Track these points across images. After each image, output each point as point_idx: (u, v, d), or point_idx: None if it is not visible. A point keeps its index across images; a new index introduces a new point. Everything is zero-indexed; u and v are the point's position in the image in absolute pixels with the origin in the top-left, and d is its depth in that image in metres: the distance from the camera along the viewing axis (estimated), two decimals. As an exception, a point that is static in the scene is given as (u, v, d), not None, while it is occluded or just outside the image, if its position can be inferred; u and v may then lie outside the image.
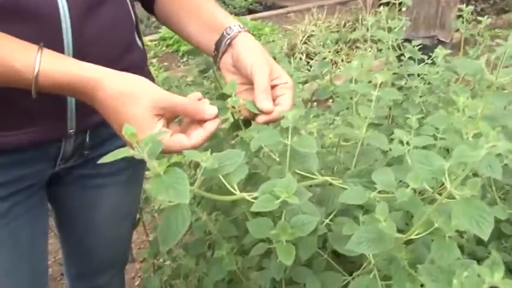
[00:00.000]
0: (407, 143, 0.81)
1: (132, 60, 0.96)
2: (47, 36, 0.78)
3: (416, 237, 0.64)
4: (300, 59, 4.38)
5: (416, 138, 0.83)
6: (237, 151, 0.61)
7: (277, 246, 0.65)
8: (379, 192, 0.76)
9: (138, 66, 0.99)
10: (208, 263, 1.10)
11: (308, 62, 4.35)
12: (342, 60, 4.48)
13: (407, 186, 0.75)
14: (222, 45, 0.90)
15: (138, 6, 1.03)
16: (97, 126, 0.97)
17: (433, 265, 0.59)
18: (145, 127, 0.71)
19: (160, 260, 1.46)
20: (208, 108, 0.76)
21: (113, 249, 1.25)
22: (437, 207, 0.62)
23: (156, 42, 5.43)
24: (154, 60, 4.87)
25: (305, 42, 4.69)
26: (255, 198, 0.63)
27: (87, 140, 0.99)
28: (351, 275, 0.96)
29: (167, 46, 5.41)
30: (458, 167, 0.58)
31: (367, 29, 1.45)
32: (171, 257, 1.09)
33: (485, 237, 0.54)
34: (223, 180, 0.63)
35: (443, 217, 0.62)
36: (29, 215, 0.98)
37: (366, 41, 5.70)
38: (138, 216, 1.35)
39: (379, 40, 1.50)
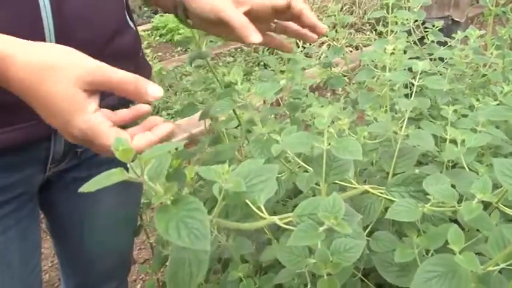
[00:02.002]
0: (463, 143, 0.66)
1: (124, 44, 0.85)
2: (24, 15, 0.67)
3: (495, 268, 0.50)
4: (297, 45, 4.24)
5: (470, 136, 0.68)
6: (269, 166, 0.46)
7: (318, 282, 0.50)
8: (432, 204, 0.62)
9: (132, 51, 0.89)
10: (219, 280, 0.96)
11: (304, 48, 4.19)
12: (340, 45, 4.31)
13: (462, 197, 0.62)
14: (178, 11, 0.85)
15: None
16: None
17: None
18: (74, 108, 0.57)
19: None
20: (151, 87, 0.60)
21: (114, 258, 1.14)
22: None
23: (149, 32, 5.28)
24: (148, 51, 4.70)
25: (302, 28, 4.54)
26: (289, 223, 0.48)
27: None
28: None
29: (160, 36, 5.26)
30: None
31: (387, 10, 1.31)
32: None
33: None
34: (247, 200, 0.48)
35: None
36: (19, 227, 0.88)
37: (363, 24, 5.53)
38: (139, 222, 1.23)
39: (396, 22, 1.36)
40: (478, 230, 0.71)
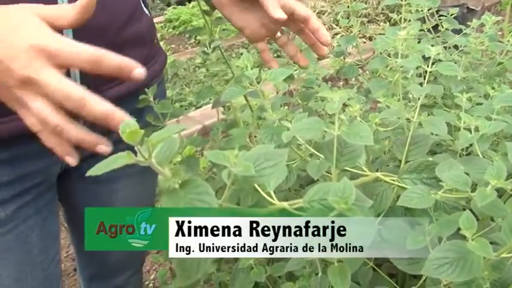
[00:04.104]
0: (477, 129, 0.65)
1: (140, 29, 0.87)
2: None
3: (508, 256, 0.49)
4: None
5: (484, 122, 0.67)
6: (278, 150, 0.45)
7: (328, 269, 0.50)
8: (445, 191, 0.62)
9: (147, 36, 0.90)
10: (231, 268, 0.96)
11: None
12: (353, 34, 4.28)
13: (475, 184, 0.61)
14: None
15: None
16: None
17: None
18: (42, 32, 0.55)
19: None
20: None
21: None
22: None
23: (162, 24, 5.29)
24: (161, 43, 4.73)
25: (315, 19, 4.51)
26: (300, 208, 0.48)
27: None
28: (397, 283, 0.83)
29: (174, 28, 5.25)
30: None
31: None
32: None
33: None
34: (256, 185, 0.48)
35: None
36: (38, 217, 0.89)
37: (377, 15, 5.52)
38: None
39: (410, 11, 1.35)
40: (492, 220, 0.70)
